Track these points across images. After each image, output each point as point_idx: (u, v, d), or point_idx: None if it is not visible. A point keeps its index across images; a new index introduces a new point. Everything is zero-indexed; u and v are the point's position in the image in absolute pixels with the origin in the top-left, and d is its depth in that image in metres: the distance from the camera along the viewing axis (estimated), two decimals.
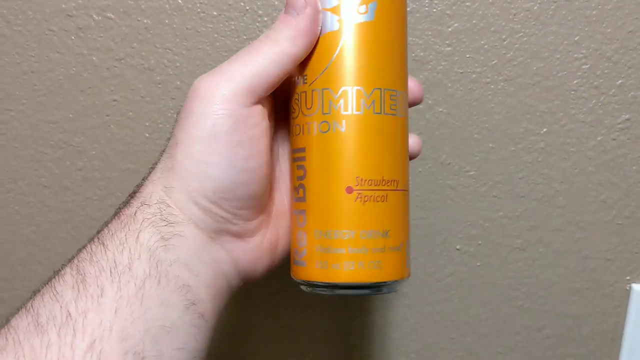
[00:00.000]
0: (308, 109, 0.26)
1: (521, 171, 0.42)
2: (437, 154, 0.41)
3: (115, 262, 0.23)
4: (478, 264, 0.43)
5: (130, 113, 0.41)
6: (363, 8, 0.25)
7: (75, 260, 0.24)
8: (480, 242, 0.43)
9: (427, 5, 0.39)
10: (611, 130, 0.41)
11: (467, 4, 0.39)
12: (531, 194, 0.42)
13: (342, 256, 0.25)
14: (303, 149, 0.26)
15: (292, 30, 0.25)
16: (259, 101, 0.26)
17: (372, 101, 0.25)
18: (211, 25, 0.39)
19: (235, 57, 0.26)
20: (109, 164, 0.42)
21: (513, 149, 0.41)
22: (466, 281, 0.43)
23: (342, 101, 0.25)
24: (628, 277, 0.43)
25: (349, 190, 0.25)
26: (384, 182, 0.25)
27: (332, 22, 0.26)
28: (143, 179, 0.27)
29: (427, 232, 0.43)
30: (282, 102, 0.29)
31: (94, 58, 0.40)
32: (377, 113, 0.25)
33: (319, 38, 0.26)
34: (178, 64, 0.40)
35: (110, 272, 0.23)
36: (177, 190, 0.25)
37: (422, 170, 0.41)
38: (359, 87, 0.25)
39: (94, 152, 0.42)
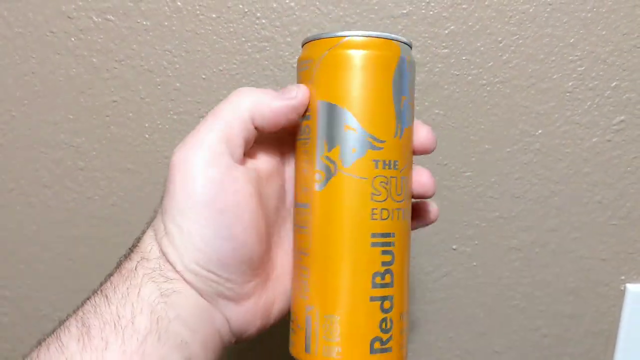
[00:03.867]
0: (398, 194, 0.27)
1: (517, 172, 0.42)
2: (433, 155, 0.42)
3: (118, 315, 0.24)
4: (474, 263, 0.44)
5: (130, 114, 0.41)
6: None
7: (80, 312, 0.24)
8: (476, 242, 0.43)
9: (423, 7, 0.39)
10: (606, 131, 0.41)
11: (464, 6, 0.39)
12: (527, 194, 0.42)
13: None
14: (393, 234, 0.26)
15: (267, 100, 0.26)
16: (238, 162, 0.26)
17: None
18: (210, 27, 0.40)
19: (200, 125, 0.26)
20: (109, 164, 0.42)
21: (509, 150, 0.42)
22: (463, 281, 0.44)
23: None
24: (623, 277, 0.43)
25: None
26: None
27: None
28: (142, 233, 0.27)
29: (424, 232, 0.43)
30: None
31: (94, 59, 0.40)
32: None
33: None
34: (177, 66, 0.40)
35: (114, 325, 0.23)
36: (171, 255, 0.26)
37: None
38: None
39: (94, 153, 0.42)
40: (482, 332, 0.45)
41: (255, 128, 0.26)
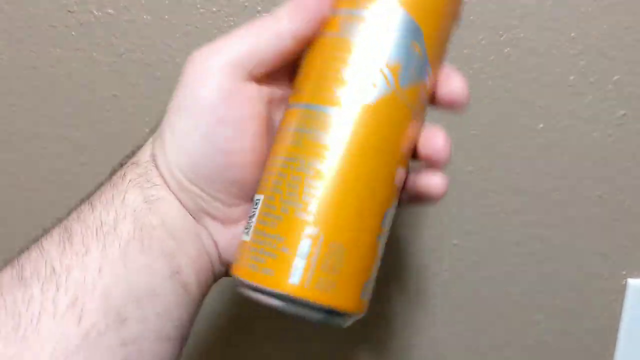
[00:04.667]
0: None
1: (518, 166, 0.42)
2: None
3: (101, 221, 0.23)
4: (475, 258, 0.43)
5: (131, 108, 0.41)
6: None
7: (65, 220, 0.24)
8: (476, 236, 0.43)
9: None
10: (608, 126, 0.41)
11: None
12: (528, 189, 0.42)
13: None
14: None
15: (293, 5, 0.24)
16: (254, 79, 0.24)
17: None
18: (210, 21, 0.40)
19: (234, 31, 0.24)
20: (110, 159, 0.42)
21: (510, 144, 0.42)
22: (463, 276, 0.44)
23: None
24: (624, 272, 0.43)
25: None
26: None
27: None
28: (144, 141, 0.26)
29: (425, 227, 0.43)
30: None
31: (95, 54, 0.40)
32: None
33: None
34: (178, 60, 0.40)
35: (96, 231, 0.23)
36: (159, 158, 0.25)
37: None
38: None
39: (94, 147, 0.42)
40: (482, 327, 0.45)
41: (297, 40, 0.24)
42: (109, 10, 0.40)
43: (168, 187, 0.24)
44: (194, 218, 0.25)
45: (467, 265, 0.44)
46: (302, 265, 0.22)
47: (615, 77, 0.40)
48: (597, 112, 0.41)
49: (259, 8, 0.40)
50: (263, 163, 0.25)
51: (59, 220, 0.24)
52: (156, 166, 0.25)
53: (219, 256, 0.26)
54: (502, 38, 0.40)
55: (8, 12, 0.40)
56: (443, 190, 0.25)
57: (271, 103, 0.26)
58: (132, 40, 0.40)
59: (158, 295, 0.23)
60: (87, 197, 0.25)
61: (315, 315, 0.22)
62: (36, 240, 0.24)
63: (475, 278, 0.44)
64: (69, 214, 0.24)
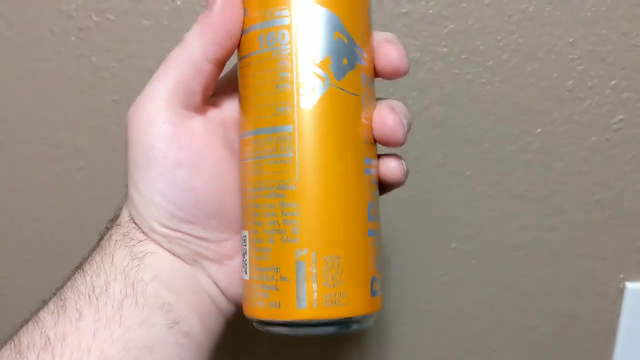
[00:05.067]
0: None
1: (516, 171, 0.42)
2: (433, 154, 0.42)
3: (92, 285, 0.23)
4: (473, 262, 0.44)
5: None
6: None
7: (60, 289, 0.24)
8: (475, 240, 0.43)
9: (423, 6, 0.39)
10: (605, 130, 0.41)
11: (463, 5, 0.39)
12: (526, 193, 0.42)
13: None
14: (376, 160, 0.25)
15: (199, 27, 0.24)
16: (196, 110, 0.24)
17: None
18: None
19: (157, 71, 0.24)
20: (109, 164, 0.42)
21: (508, 149, 0.42)
22: (461, 279, 0.44)
23: None
24: (622, 276, 0.43)
25: None
26: None
27: None
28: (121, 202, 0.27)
29: (423, 231, 0.43)
30: None
31: (94, 59, 0.40)
32: None
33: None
34: None
35: (89, 296, 0.23)
36: (136, 217, 0.25)
37: (419, 169, 0.42)
38: None
39: (94, 152, 0.42)
40: (480, 331, 0.45)
41: (215, 62, 0.24)
42: (109, 16, 0.40)
43: (152, 240, 0.25)
44: (187, 264, 0.25)
45: (466, 269, 0.44)
46: (304, 289, 0.22)
47: (613, 82, 0.40)
48: (595, 117, 0.41)
49: None
50: (232, 186, 0.25)
51: (56, 291, 0.24)
52: (135, 224, 0.25)
53: (224, 294, 0.26)
54: (500, 43, 0.40)
55: (8, 17, 0.40)
56: (399, 175, 0.25)
57: (225, 123, 0.26)
58: (131, 45, 0.40)
59: (158, 349, 0.23)
60: (79, 265, 0.25)
61: (334, 329, 0.23)
62: (34, 313, 0.24)
63: (473, 282, 0.44)
64: (63, 283, 0.24)
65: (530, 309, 0.44)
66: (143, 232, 0.25)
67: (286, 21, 0.22)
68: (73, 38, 0.40)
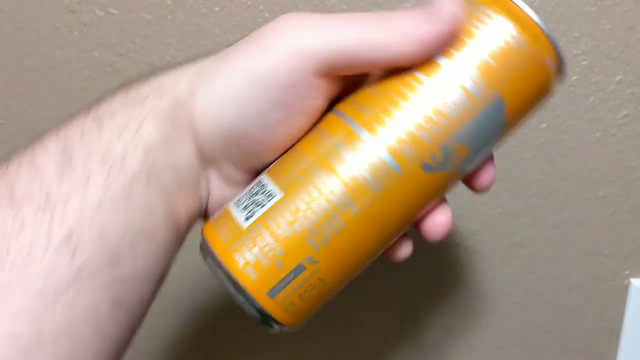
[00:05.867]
0: None
1: (520, 167, 0.42)
2: None
3: (108, 149, 0.21)
4: (478, 259, 0.43)
5: None
6: None
7: (63, 132, 0.21)
8: (479, 237, 0.43)
9: (426, 0, 0.39)
10: (610, 126, 0.41)
11: None
12: (530, 189, 0.42)
13: None
14: None
15: (414, 28, 0.21)
16: (328, 76, 0.22)
17: None
18: (213, 21, 0.40)
19: (342, 18, 0.22)
20: None
21: (512, 145, 0.41)
22: (466, 276, 0.44)
23: None
24: (627, 272, 0.43)
25: None
26: None
27: None
28: (178, 64, 0.24)
29: None
30: None
31: (97, 54, 0.40)
32: None
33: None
34: (180, 60, 0.40)
35: (101, 158, 0.20)
36: (199, 99, 0.22)
37: None
38: None
39: None
40: (484, 328, 0.45)
41: (390, 62, 0.22)
42: (111, 10, 0.40)
43: (192, 129, 0.22)
44: (201, 165, 0.23)
45: (470, 266, 0.44)
46: (284, 287, 0.22)
47: (618, 77, 0.40)
48: (600, 112, 0.41)
49: (262, 7, 0.40)
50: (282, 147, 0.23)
51: (56, 129, 0.21)
52: (190, 104, 0.22)
53: (207, 207, 0.25)
54: None
55: (10, 12, 0.40)
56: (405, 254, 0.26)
57: (328, 100, 0.23)
58: (134, 40, 0.40)
59: (153, 237, 0.21)
60: (94, 108, 0.22)
61: (255, 315, 0.23)
62: (28, 149, 0.21)
63: (478, 278, 0.44)
64: (68, 124, 0.21)
65: (534, 305, 0.44)
66: (190, 114, 0.22)
67: (463, 87, 0.22)
68: (76, 33, 0.40)
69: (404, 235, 0.26)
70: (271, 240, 0.22)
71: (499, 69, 0.22)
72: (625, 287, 0.43)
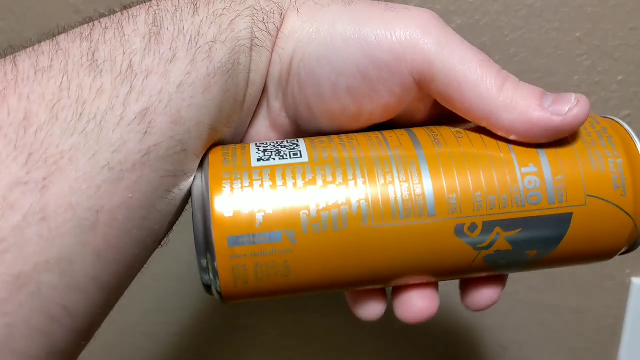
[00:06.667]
0: None
1: None
2: None
3: (199, 32, 0.19)
4: None
5: None
6: None
7: (155, 6, 0.20)
8: None
9: (430, 1, 0.40)
10: None
11: (470, 0, 0.40)
12: None
13: None
14: None
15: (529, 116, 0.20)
16: (422, 87, 0.21)
17: None
18: None
19: (474, 54, 0.21)
20: None
21: None
22: None
23: None
24: (628, 271, 0.44)
25: None
26: None
27: None
28: None
29: None
30: None
31: None
32: None
33: None
34: None
35: (190, 40, 0.19)
36: (298, 23, 0.21)
37: None
38: None
39: None
40: (487, 327, 0.45)
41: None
42: (117, 10, 0.40)
43: (280, 47, 0.21)
44: (254, 97, 0.22)
45: None
46: (248, 243, 0.19)
47: (620, 78, 0.41)
48: (602, 113, 0.41)
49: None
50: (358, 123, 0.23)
51: (144, 1, 0.20)
52: (292, 25, 0.21)
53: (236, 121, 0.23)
54: (507, 38, 0.40)
55: (15, 12, 0.40)
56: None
57: (403, 106, 0.23)
58: None
59: (215, 132, 0.21)
60: None
61: (200, 255, 0.20)
62: (113, 14, 0.20)
63: None
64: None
65: (536, 304, 0.44)
66: (283, 40, 0.21)
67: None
68: None
69: (382, 294, 0.23)
70: (269, 191, 0.20)
71: (585, 192, 0.20)
72: (627, 286, 0.44)
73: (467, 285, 0.24)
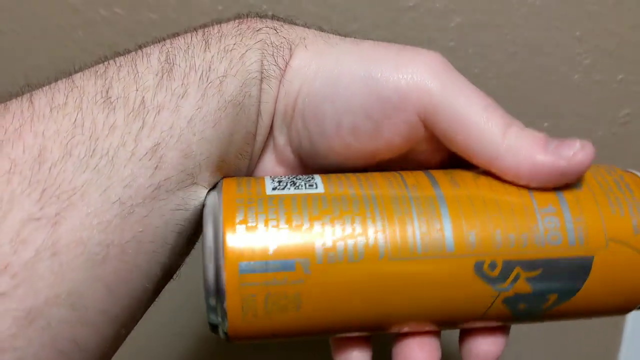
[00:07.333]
0: None
1: None
2: None
3: (210, 67, 0.20)
4: None
5: None
6: None
7: (168, 45, 0.20)
8: None
9: (430, 0, 0.39)
10: (612, 124, 0.41)
11: None
12: None
13: None
14: None
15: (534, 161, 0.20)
16: (426, 127, 0.21)
17: None
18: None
19: (481, 100, 0.21)
20: None
21: None
22: None
23: None
24: None
25: None
26: None
27: None
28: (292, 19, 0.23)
29: None
30: None
31: (101, 53, 0.40)
32: None
33: None
34: None
35: (201, 75, 0.20)
36: (300, 65, 0.22)
37: None
38: None
39: None
40: None
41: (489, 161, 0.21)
42: (116, 10, 0.40)
43: (288, 81, 0.22)
44: (264, 129, 0.22)
45: None
46: (260, 271, 0.19)
47: (620, 76, 0.40)
48: (602, 111, 0.41)
49: (265, 7, 0.40)
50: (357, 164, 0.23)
51: (160, 42, 0.21)
52: (301, 58, 0.22)
53: (248, 154, 0.23)
54: (507, 37, 0.40)
55: (14, 11, 0.40)
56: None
57: (409, 146, 0.22)
58: (139, 39, 0.40)
59: (229, 164, 0.21)
60: (202, 29, 0.21)
61: (209, 285, 0.19)
62: (128, 54, 0.20)
63: None
64: (173, 37, 0.21)
65: None
66: (292, 76, 0.22)
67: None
68: (80, 32, 0.40)
69: (367, 344, 0.23)
70: (283, 219, 0.19)
71: (606, 235, 0.20)
72: None
73: (470, 335, 0.23)
